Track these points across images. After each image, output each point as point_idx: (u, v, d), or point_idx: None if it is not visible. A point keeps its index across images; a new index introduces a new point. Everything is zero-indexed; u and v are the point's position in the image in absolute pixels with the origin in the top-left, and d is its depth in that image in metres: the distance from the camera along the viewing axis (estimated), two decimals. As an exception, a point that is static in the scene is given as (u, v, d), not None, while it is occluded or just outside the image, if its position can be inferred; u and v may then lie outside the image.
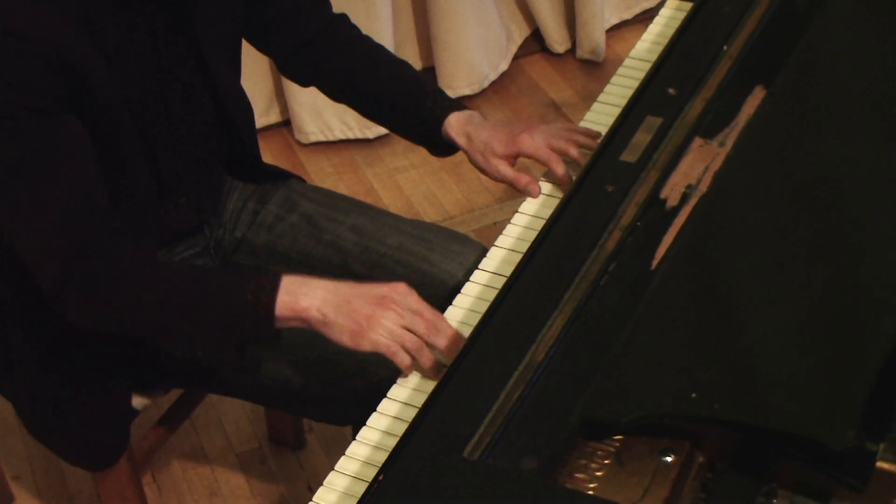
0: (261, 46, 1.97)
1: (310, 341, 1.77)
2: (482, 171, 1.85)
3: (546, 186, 1.80)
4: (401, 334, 1.53)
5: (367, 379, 1.77)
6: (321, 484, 1.43)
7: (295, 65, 1.98)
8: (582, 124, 1.89)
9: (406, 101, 1.90)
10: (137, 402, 1.93)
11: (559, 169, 1.77)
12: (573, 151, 1.79)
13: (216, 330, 1.61)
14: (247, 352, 1.63)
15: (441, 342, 1.54)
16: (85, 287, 1.61)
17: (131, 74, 1.68)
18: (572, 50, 3.46)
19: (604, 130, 1.79)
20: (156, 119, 1.75)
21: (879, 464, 1.28)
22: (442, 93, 1.91)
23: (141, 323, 1.66)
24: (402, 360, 1.52)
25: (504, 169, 1.82)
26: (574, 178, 1.71)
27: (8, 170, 1.59)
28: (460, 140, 1.85)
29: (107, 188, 1.65)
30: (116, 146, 1.69)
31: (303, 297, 1.57)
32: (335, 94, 1.99)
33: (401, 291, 1.57)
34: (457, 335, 1.55)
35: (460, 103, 1.90)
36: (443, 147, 1.90)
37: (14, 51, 1.54)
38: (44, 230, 1.60)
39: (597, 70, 3.41)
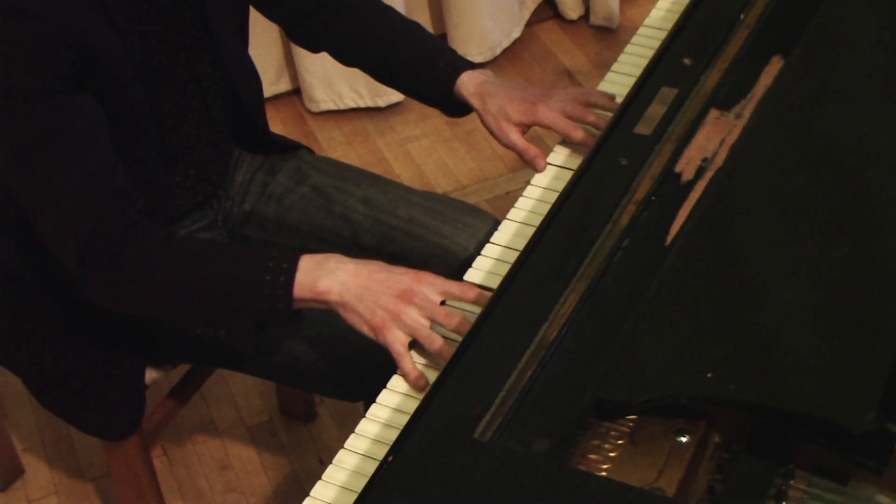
0: (269, 14, 1.94)
1: (320, 318, 1.76)
2: (492, 134, 1.82)
3: (561, 155, 1.77)
4: (421, 332, 1.51)
5: (378, 356, 1.75)
6: (332, 457, 1.41)
7: (304, 31, 1.95)
8: (596, 94, 1.87)
9: (418, 62, 1.87)
10: (147, 376, 1.92)
11: (578, 135, 1.75)
12: (591, 117, 1.76)
13: (235, 311, 1.59)
14: (266, 333, 1.61)
15: (465, 329, 1.51)
16: (105, 266, 1.60)
17: (139, 46, 1.66)
18: (586, 16, 3.43)
19: (619, 100, 1.76)
20: (163, 90, 1.73)
21: (899, 445, 1.25)
22: (454, 52, 1.88)
23: (160, 303, 1.65)
24: (406, 366, 1.50)
25: (515, 138, 1.79)
26: (593, 142, 1.68)
27: (26, 151, 1.58)
28: (474, 101, 1.82)
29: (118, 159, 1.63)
30: (126, 119, 1.67)
31: (322, 278, 1.55)
32: (346, 59, 1.96)
33: (427, 282, 1.54)
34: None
35: (472, 63, 1.87)
36: (456, 108, 1.87)
37: (25, 30, 1.52)
38: (63, 211, 1.60)
39: (610, 37, 3.38)
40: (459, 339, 1.46)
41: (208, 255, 1.63)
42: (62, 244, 1.62)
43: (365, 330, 1.54)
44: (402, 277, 1.54)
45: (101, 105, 1.62)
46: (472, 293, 1.53)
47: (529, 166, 1.77)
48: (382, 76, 1.95)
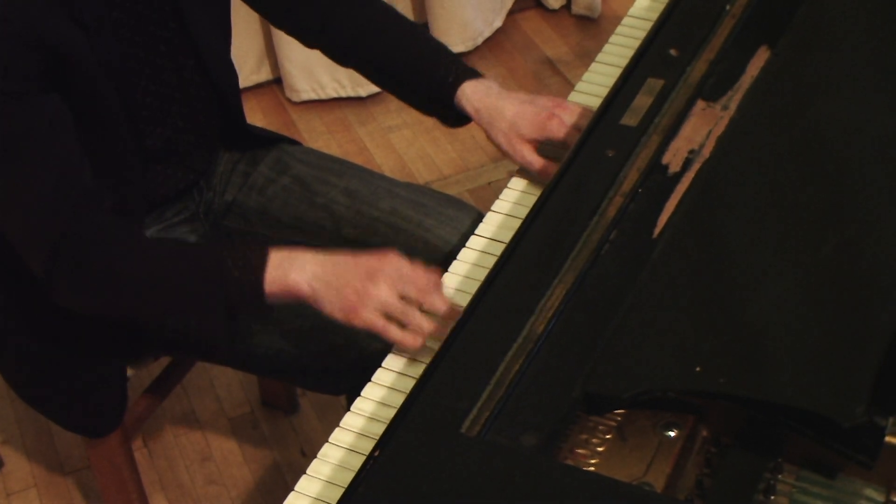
0: (255, 4, 1.89)
1: (302, 311, 1.74)
2: (503, 151, 1.73)
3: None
4: (392, 306, 1.50)
5: (361, 348, 1.74)
6: (314, 449, 1.41)
7: (299, 22, 1.87)
8: (581, 84, 1.84)
9: (417, 68, 1.79)
10: (128, 369, 1.90)
11: None
12: None
13: (206, 308, 1.58)
14: (239, 322, 1.60)
15: (436, 303, 1.51)
16: (73, 270, 1.59)
17: (112, 42, 1.63)
18: (567, 6, 3.42)
19: (604, 91, 1.74)
20: (141, 83, 1.71)
21: (889, 439, 1.25)
22: (458, 59, 1.79)
23: (130, 304, 1.64)
24: (394, 335, 1.49)
25: (531, 157, 1.70)
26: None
27: None
28: (479, 117, 1.73)
29: (92, 156, 1.61)
30: (100, 116, 1.65)
31: (292, 272, 1.55)
32: (342, 57, 1.88)
33: (391, 262, 1.54)
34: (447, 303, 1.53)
35: (474, 70, 1.78)
36: (457, 119, 1.80)
37: None
38: (29, 214, 1.58)
39: (592, 26, 3.37)
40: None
41: (178, 254, 1.63)
42: (29, 249, 1.61)
43: (338, 316, 1.54)
44: (368, 260, 1.54)
45: (71, 104, 1.59)
46: (434, 280, 1.53)
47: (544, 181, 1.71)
48: (379, 78, 1.87)
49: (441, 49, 1.82)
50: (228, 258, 1.56)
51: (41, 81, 1.55)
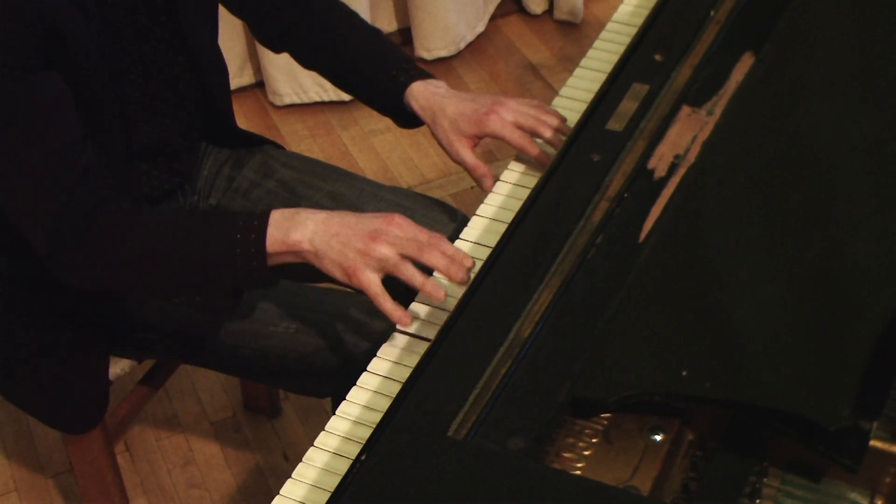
0: (235, 10, 1.93)
1: (288, 313, 1.75)
2: (444, 149, 1.79)
3: (518, 169, 1.75)
4: (391, 261, 1.50)
5: (346, 350, 1.74)
6: (296, 452, 1.40)
7: (268, 30, 1.93)
8: (565, 90, 1.85)
9: (372, 70, 1.84)
10: (111, 371, 1.90)
11: (533, 150, 1.71)
12: (546, 133, 1.72)
13: (209, 275, 1.57)
14: (243, 298, 1.58)
15: (433, 258, 1.50)
16: (75, 243, 1.58)
17: (108, 32, 1.64)
18: (550, 11, 3.42)
19: (588, 96, 1.75)
20: (130, 77, 1.72)
21: (873, 442, 1.26)
22: (411, 62, 1.84)
23: (133, 278, 1.63)
24: (383, 303, 1.49)
25: (465, 153, 1.75)
26: (550, 159, 1.65)
27: None
28: (424, 114, 1.78)
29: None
30: (91, 104, 1.65)
31: (293, 230, 1.54)
32: (306, 61, 1.93)
33: (396, 223, 1.53)
34: (460, 253, 1.51)
35: (427, 72, 1.83)
36: (407, 119, 1.84)
37: None
38: (31, 188, 1.57)
39: (574, 31, 3.37)
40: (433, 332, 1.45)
41: (179, 222, 1.61)
42: (31, 223, 1.60)
43: (338, 275, 1.53)
44: (373, 220, 1.53)
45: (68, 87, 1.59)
46: (442, 245, 1.52)
47: (477, 184, 1.74)
48: (339, 81, 1.92)
49: (398, 53, 1.86)
50: (230, 218, 1.56)
51: (41, 58, 1.54)
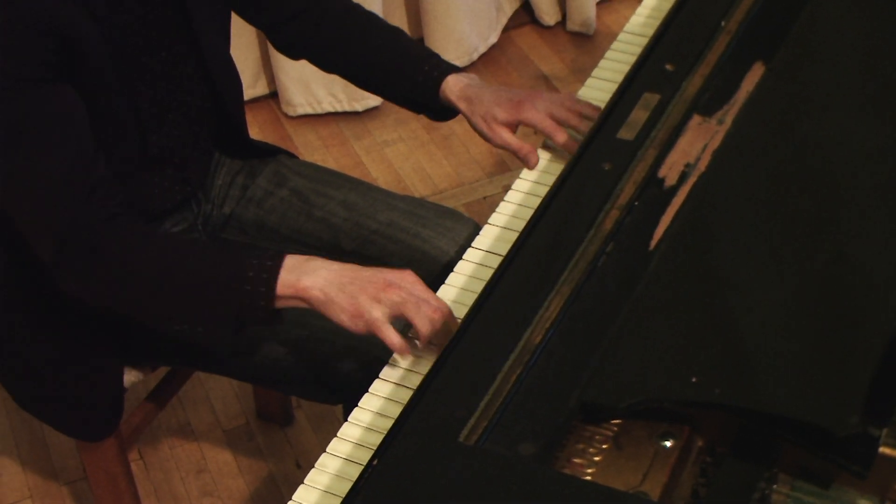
0: (249, 18, 1.94)
1: (300, 320, 1.75)
2: (483, 136, 1.83)
3: (543, 160, 1.77)
4: (398, 304, 1.51)
5: (358, 359, 1.75)
6: (309, 460, 1.41)
7: (285, 36, 1.94)
8: (577, 99, 1.87)
9: (401, 67, 1.87)
10: (126, 379, 1.91)
11: (561, 137, 1.76)
12: (575, 121, 1.77)
13: (215, 307, 1.58)
14: (246, 335, 1.60)
15: (423, 328, 1.51)
16: (83, 258, 1.59)
17: (120, 41, 1.65)
18: (562, 22, 3.43)
19: (599, 106, 1.76)
20: (144, 87, 1.72)
21: (882, 449, 1.26)
22: (438, 56, 1.88)
23: (138, 297, 1.63)
24: (390, 338, 1.50)
25: (507, 136, 1.80)
26: (577, 147, 1.69)
27: (3, 140, 1.56)
28: (461, 104, 1.83)
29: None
30: (105, 114, 1.66)
31: (305, 276, 1.54)
32: (327, 66, 1.95)
33: (409, 280, 1.54)
34: (452, 326, 1.52)
35: (457, 67, 1.87)
36: (441, 112, 1.88)
37: (3, 18, 1.51)
38: (41, 201, 1.58)
39: (587, 43, 3.38)
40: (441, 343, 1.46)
41: (191, 251, 1.62)
42: (39, 234, 1.61)
43: (344, 319, 1.53)
44: (386, 274, 1.54)
45: (81, 98, 1.60)
46: (442, 310, 1.52)
47: (523, 163, 1.78)
48: (364, 81, 1.95)
49: (424, 50, 1.91)
50: (244, 256, 1.57)
51: (55, 70, 1.56)
